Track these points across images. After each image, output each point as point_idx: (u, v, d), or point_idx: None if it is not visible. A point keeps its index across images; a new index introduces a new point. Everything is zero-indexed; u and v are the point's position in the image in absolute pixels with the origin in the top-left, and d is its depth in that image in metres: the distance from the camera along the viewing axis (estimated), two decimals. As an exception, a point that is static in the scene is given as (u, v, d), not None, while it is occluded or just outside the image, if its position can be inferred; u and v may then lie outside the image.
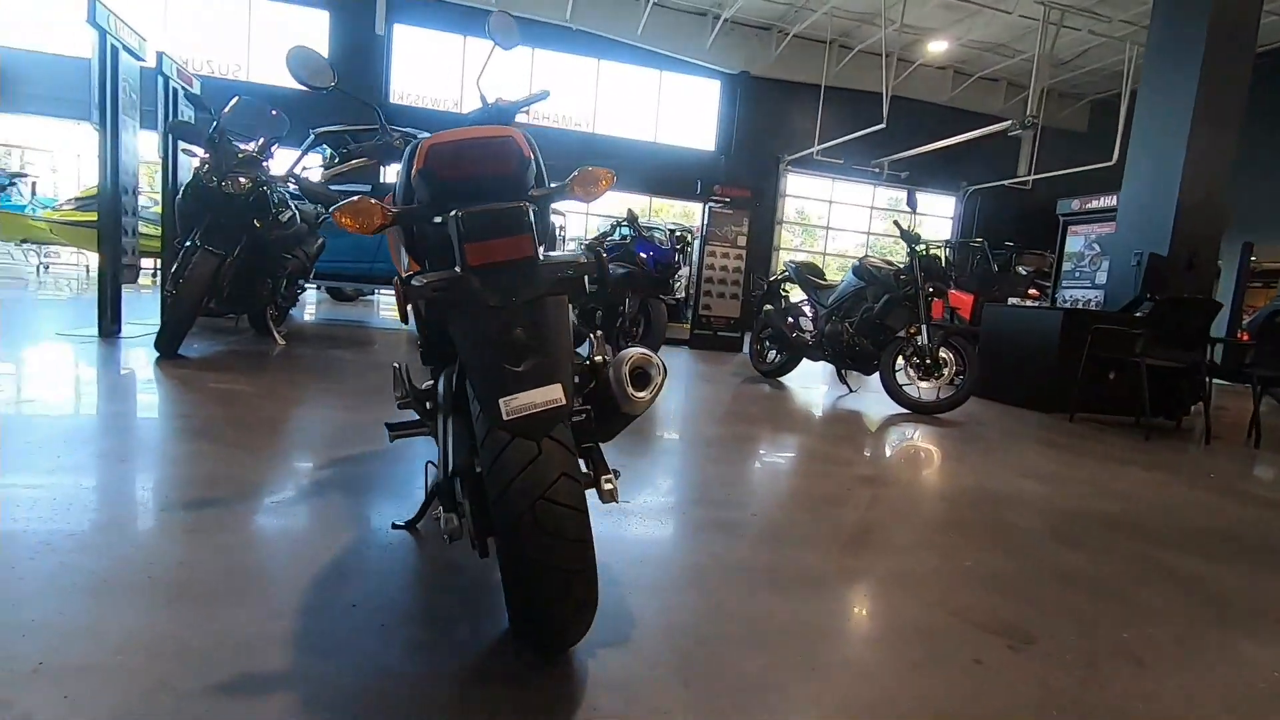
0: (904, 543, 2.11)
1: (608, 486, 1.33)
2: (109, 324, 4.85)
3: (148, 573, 1.46)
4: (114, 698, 1.05)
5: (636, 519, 2.07)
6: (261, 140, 4.56)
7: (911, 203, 4.99)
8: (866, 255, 5.46)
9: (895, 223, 5.08)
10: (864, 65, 14.59)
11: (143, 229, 6.37)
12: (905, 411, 4.60)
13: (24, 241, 10.84)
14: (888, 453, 3.55)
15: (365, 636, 1.28)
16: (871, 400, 5.02)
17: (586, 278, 1.11)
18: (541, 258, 1.06)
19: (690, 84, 15.65)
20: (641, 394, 1.35)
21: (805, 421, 4.27)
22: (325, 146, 5.89)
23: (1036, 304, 7.82)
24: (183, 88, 5.91)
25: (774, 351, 5.91)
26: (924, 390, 4.62)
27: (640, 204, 17.13)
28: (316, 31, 13.80)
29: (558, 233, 13.29)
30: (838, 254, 17.35)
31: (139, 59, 5.12)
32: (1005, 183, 15.62)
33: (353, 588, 1.47)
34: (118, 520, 1.75)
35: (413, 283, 1.02)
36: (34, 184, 11.17)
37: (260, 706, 1.06)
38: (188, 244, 4.30)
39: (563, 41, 14.46)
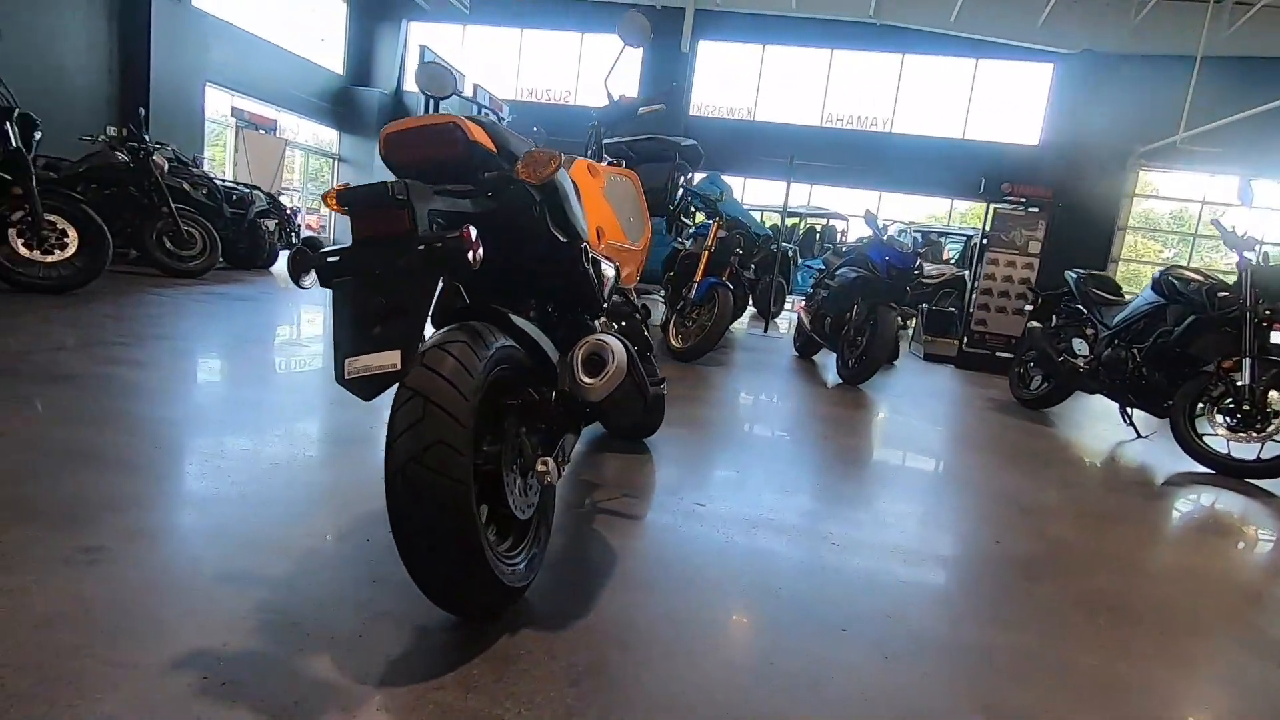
0: (1023, 617, 1.65)
1: (541, 469, 1.32)
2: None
3: (270, 489, 1.86)
4: (148, 567, 1.38)
5: (700, 522, 1.96)
6: (525, 152, 5.29)
7: (1244, 196, 3.72)
8: (1174, 265, 4.24)
9: (1214, 222, 3.86)
10: (1267, 23, 11.22)
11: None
12: (1206, 472, 3.49)
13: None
14: (1132, 516, 2.75)
15: (353, 565, 1.47)
16: (1166, 453, 3.90)
17: (471, 253, 1.11)
18: (421, 233, 1.10)
19: (1012, 71, 13.76)
20: (591, 380, 1.31)
21: (1045, 462, 3.48)
22: (606, 156, 6.44)
23: None
24: (493, 113, 7.13)
25: (1039, 378, 4.95)
26: (1237, 445, 3.45)
27: (941, 209, 15.60)
28: (632, 54, 15.30)
29: (838, 238, 12.78)
30: (1224, 270, 13.64)
31: (457, 92, 6.29)
32: None
33: (382, 525, 1.67)
34: (278, 448, 2.24)
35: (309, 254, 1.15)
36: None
37: (228, 594, 1.30)
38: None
39: (863, 39, 13.84)
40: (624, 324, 2.41)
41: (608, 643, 1.29)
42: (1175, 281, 3.92)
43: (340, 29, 16.12)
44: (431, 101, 5.70)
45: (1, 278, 4.24)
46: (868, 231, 5.49)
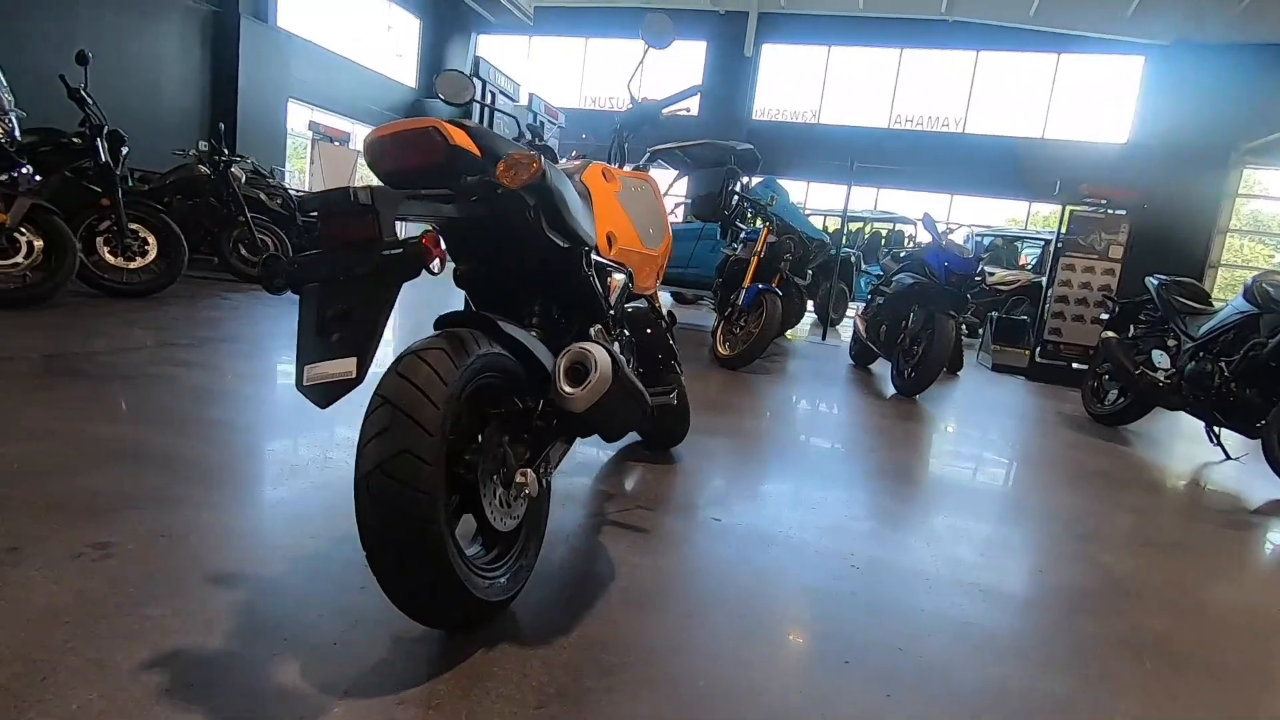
0: (1057, 657, 1.50)
1: (520, 480, 1.28)
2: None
3: (289, 490, 1.90)
4: (150, 565, 1.42)
5: (714, 538, 1.89)
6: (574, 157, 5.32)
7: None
8: (1270, 271, 3.85)
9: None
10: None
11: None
12: (1304, 499, 3.15)
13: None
14: (1206, 548, 2.49)
15: (346, 570, 1.47)
16: (1259, 477, 3.54)
17: (436, 261, 1.09)
18: (387, 239, 1.08)
19: (1097, 66, 12.95)
20: (572, 390, 1.27)
21: (1114, 484, 3.20)
22: (661, 161, 6.50)
23: None
24: (548, 120, 7.22)
25: (1116, 392, 4.60)
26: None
27: (1018, 212, 14.85)
28: (696, 61, 15.26)
29: (906, 243, 12.31)
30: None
31: (512, 100, 6.42)
32: None
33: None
34: (306, 450, 2.29)
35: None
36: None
37: (220, 595, 1.32)
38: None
39: (935, 37, 13.34)
40: (648, 331, 2.36)
41: (586, 664, 1.25)
42: (1270, 289, 3.57)
43: (414, 44, 16.75)
44: (487, 110, 5.81)
45: (89, 283, 4.56)
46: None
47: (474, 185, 1.28)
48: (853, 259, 10.20)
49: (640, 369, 2.06)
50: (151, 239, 4.90)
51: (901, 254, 5.66)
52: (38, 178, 4.59)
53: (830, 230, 10.07)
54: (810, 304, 9.47)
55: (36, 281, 3.97)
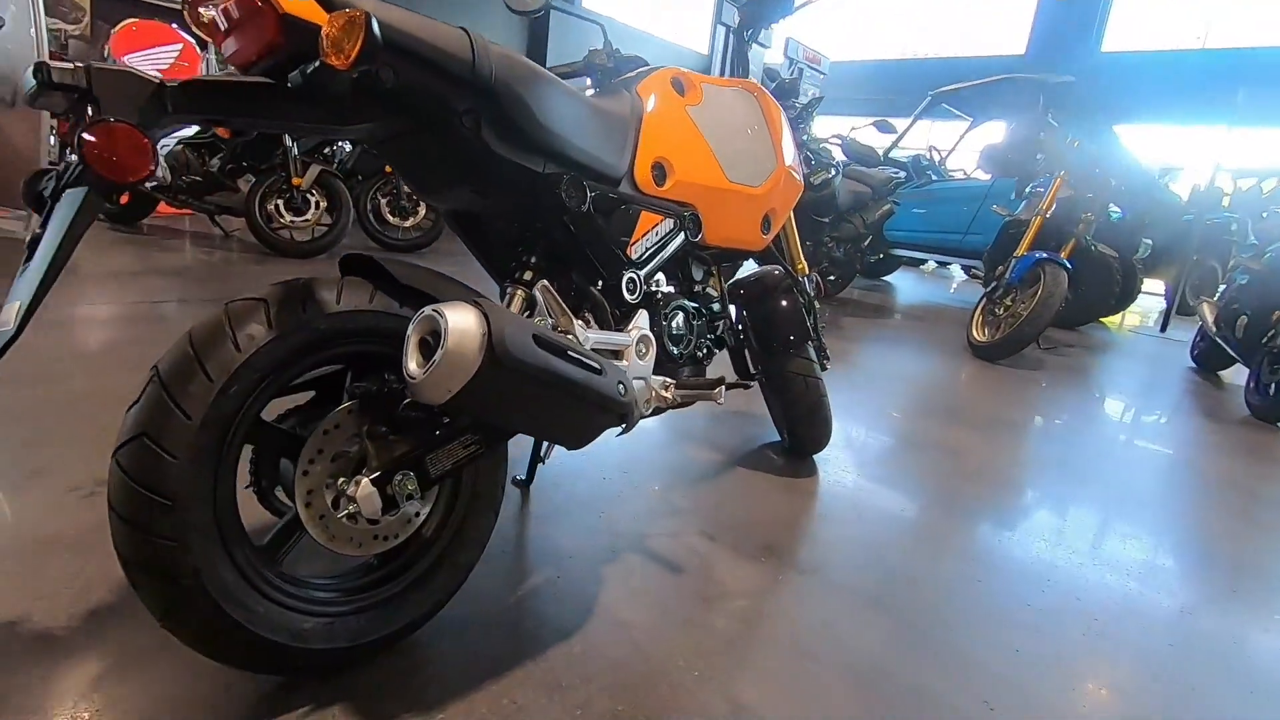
0: None
1: (352, 491, 0.91)
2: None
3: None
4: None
5: (777, 599, 1.31)
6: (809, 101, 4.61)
7: None
8: None
9: None
10: None
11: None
12: None
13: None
14: None
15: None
16: None
17: (141, 171, 0.73)
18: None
19: None
20: (417, 373, 0.84)
21: None
22: (946, 106, 5.73)
23: None
24: (807, 65, 6.45)
25: None
26: None
27: None
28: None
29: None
30: None
31: (765, 46, 5.83)
32: None
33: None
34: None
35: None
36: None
37: (106, 564, 1.20)
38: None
39: None
40: (783, 302, 1.79)
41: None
42: None
43: (709, 9, 16.75)
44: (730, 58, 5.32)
45: (373, 239, 5.32)
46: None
47: (314, 74, 0.87)
48: (1233, 227, 7.57)
49: (698, 352, 1.47)
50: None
51: (1291, 214, 3.85)
52: (348, 148, 5.48)
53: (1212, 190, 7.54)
54: (1160, 285, 7.28)
55: (320, 235, 4.68)
